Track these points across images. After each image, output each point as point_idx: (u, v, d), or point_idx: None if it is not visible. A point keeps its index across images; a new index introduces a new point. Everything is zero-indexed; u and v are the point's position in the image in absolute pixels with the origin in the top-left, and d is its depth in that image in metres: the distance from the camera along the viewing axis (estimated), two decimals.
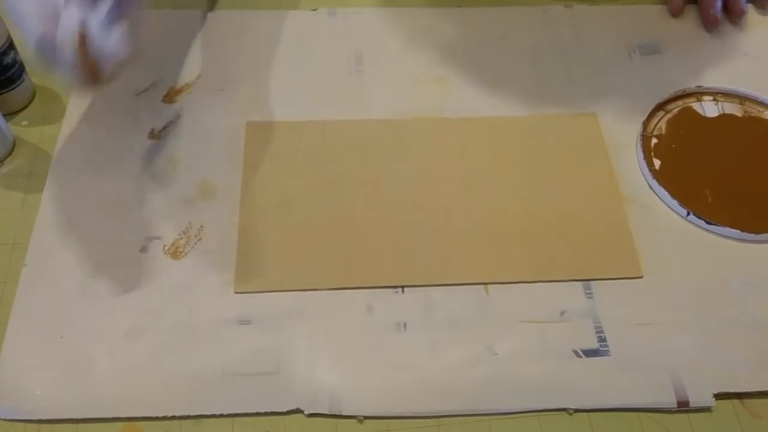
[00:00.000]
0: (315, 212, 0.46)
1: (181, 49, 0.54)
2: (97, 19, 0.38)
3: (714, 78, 0.53)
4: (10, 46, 0.48)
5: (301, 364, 0.40)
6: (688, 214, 0.46)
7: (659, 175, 0.48)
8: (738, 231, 0.46)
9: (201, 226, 0.45)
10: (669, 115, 0.52)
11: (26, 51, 0.50)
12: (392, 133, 0.50)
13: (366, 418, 0.39)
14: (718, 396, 0.40)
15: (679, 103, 0.52)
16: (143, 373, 0.40)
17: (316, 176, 0.48)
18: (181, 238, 0.45)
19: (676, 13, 0.57)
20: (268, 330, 0.41)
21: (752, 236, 0.46)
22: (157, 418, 0.39)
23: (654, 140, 0.50)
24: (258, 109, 0.51)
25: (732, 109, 0.52)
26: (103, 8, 0.39)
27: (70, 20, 0.37)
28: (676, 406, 0.39)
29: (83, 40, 0.38)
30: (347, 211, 0.46)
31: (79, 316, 0.42)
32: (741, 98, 0.53)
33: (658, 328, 0.42)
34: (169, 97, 0.51)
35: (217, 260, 0.44)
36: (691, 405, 0.39)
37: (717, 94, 0.53)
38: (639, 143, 0.50)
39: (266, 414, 0.39)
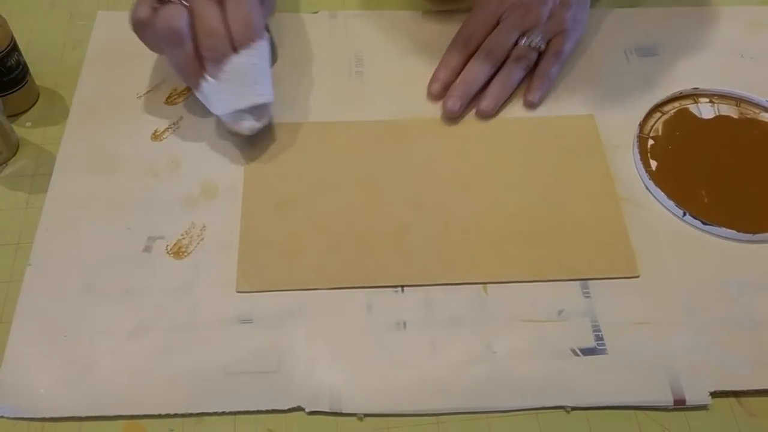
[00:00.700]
0: (316, 212, 0.46)
1: None
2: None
3: (710, 80, 0.54)
4: (14, 48, 0.48)
5: (301, 362, 0.41)
6: (685, 214, 0.47)
7: (656, 176, 0.48)
8: (734, 231, 0.46)
9: (203, 226, 0.46)
10: (665, 117, 0.52)
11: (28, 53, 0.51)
12: (392, 134, 0.50)
13: (366, 415, 0.39)
14: (715, 394, 0.40)
15: (676, 104, 0.53)
16: (146, 372, 0.40)
17: (317, 177, 0.48)
18: (184, 238, 0.45)
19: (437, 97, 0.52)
20: (269, 329, 0.42)
21: (748, 236, 0.46)
22: (159, 416, 0.39)
23: (650, 141, 0.51)
24: None
25: (728, 110, 0.53)
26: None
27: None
28: (672, 404, 0.40)
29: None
30: (347, 211, 0.46)
31: (83, 315, 0.42)
32: (737, 100, 0.53)
33: (654, 327, 0.42)
34: (172, 99, 0.52)
35: (219, 260, 0.44)
36: (687, 403, 0.40)
37: (713, 96, 0.53)
38: (636, 144, 0.50)
39: (267, 412, 0.39)
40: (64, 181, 0.47)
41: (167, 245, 0.45)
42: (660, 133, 0.51)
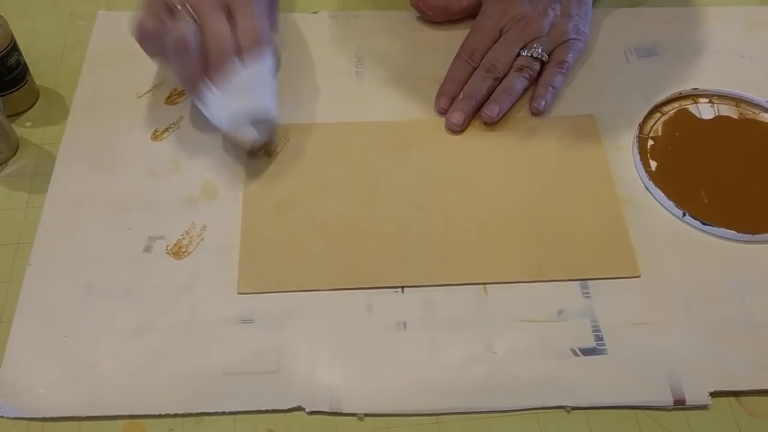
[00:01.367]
0: (316, 213, 0.46)
1: None
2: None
3: (710, 80, 0.54)
4: (14, 47, 0.48)
5: (302, 362, 0.41)
6: (684, 214, 0.47)
7: (655, 177, 0.48)
8: (734, 231, 0.46)
9: (204, 226, 0.46)
10: (665, 117, 0.52)
11: (28, 54, 0.51)
12: (392, 134, 0.50)
13: (366, 415, 0.39)
14: (715, 394, 0.40)
15: (676, 105, 0.53)
16: (146, 372, 0.40)
17: (318, 177, 0.48)
18: (184, 238, 0.45)
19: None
20: (269, 329, 0.42)
21: (748, 236, 0.46)
22: (159, 416, 0.39)
23: (650, 142, 0.51)
24: None
25: (728, 111, 0.53)
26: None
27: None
28: (672, 404, 0.40)
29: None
30: (348, 212, 0.46)
31: (83, 315, 0.42)
32: (737, 100, 0.53)
33: (654, 327, 0.42)
34: (172, 99, 0.52)
35: (219, 260, 0.44)
36: (687, 403, 0.40)
37: (713, 96, 0.53)
38: (635, 145, 0.50)
39: (268, 412, 0.39)
40: (64, 181, 0.47)
41: (167, 245, 0.45)
42: (660, 133, 0.51)
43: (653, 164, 0.49)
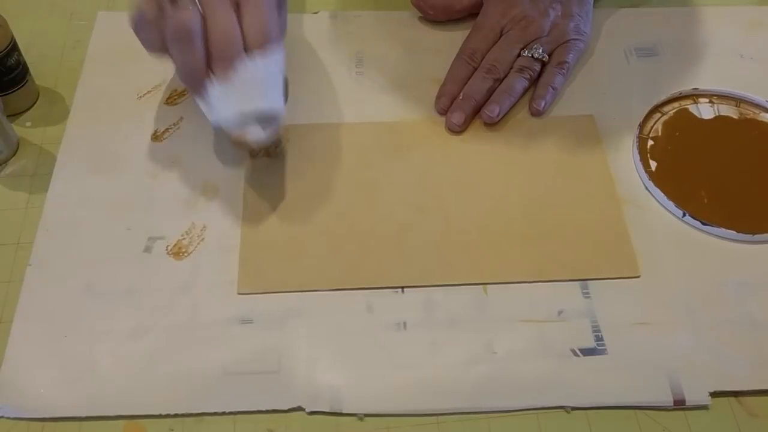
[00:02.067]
0: (316, 213, 0.46)
1: None
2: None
3: (710, 80, 0.54)
4: (14, 47, 0.48)
5: (302, 362, 0.41)
6: (684, 215, 0.47)
7: (655, 177, 0.48)
8: (734, 232, 0.46)
9: (204, 227, 0.46)
10: (665, 117, 0.52)
11: (28, 53, 0.51)
12: (392, 135, 0.50)
13: (366, 415, 0.39)
14: (715, 394, 0.40)
15: (676, 105, 0.53)
16: (146, 372, 0.40)
17: (318, 178, 0.48)
18: (184, 239, 0.45)
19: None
20: (269, 329, 0.42)
21: (748, 237, 0.46)
22: (159, 416, 0.39)
23: (650, 142, 0.51)
24: None
25: (728, 111, 0.53)
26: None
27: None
28: (672, 404, 0.40)
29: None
30: (348, 212, 0.46)
31: (83, 316, 0.42)
32: (737, 100, 0.53)
33: (654, 328, 0.42)
34: (172, 99, 0.52)
35: (219, 260, 0.44)
36: (687, 403, 0.40)
37: (713, 96, 0.53)
38: (635, 145, 0.50)
39: (268, 412, 0.39)
40: (64, 181, 0.47)
41: (167, 245, 0.45)
42: (660, 133, 0.51)
43: (653, 164, 0.49)
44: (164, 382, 0.40)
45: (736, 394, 0.41)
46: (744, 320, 0.43)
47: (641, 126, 0.51)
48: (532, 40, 0.52)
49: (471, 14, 0.56)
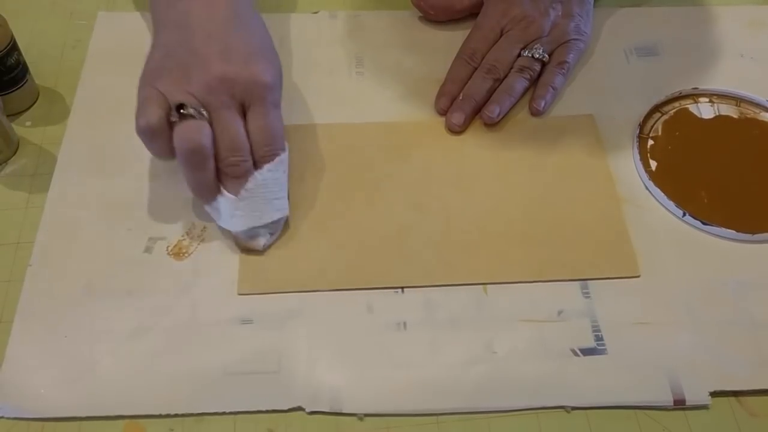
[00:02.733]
0: (316, 214, 0.46)
1: None
2: None
3: (710, 80, 0.54)
4: (14, 47, 0.48)
5: (302, 362, 0.41)
6: (684, 214, 0.47)
7: (655, 176, 0.48)
8: (733, 231, 0.46)
9: (204, 227, 0.46)
10: (665, 117, 0.52)
11: (29, 53, 0.51)
12: (392, 135, 0.50)
13: (366, 415, 0.39)
14: (715, 394, 0.40)
15: (676, 104, 0.53)
16: (146, 372, 0.40)
17: (317, 178, 0.48)
18: (185, 239, 0.45)
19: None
20: (269, 329, 0.42)
21: (747, 236, 0.46)
22: (159, 416, 0.39)
23: (650, 142, 0.51)
24: None
25: (728, 110, 0.53)
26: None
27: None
28: (672, 404, 0.40)
29: None
30: (348, 213, 0.46)
31: (83, 316, 0.42)
32: (737, 100, 0.53)
33: (654, 327, 0.42)
34: None
35: (219, 260, 0.44)
36: (687, 403, 0.40)
37: (713, 96, 0.53)
38: (635, 145, 0.50)
39: (268, 412, 0.39)
40: (64, 181, 0.47)
41: (168, 246, 0.45)
42: (660, 133, 0.51)
43: (653, 164, 0.49)
44: (164, 382, 0.40)
45: (736, 393, 0.41)
46: (744, 320, 0.43)
47: (641, 126, 0.51)
48: (533, 40, 0.53)
49: (471, 14, 0.56)
